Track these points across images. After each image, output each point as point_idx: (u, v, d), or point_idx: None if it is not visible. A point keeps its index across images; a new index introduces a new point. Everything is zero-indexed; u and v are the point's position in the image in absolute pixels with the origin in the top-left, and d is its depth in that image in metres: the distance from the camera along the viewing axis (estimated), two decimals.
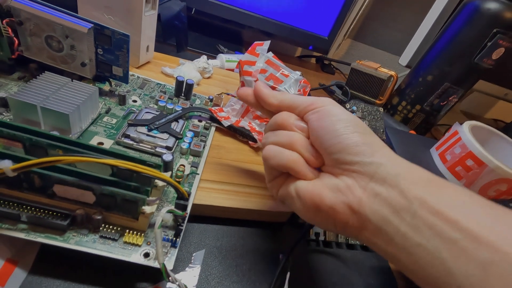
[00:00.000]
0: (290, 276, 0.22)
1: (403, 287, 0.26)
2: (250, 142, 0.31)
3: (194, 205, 0.23)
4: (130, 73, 0.33)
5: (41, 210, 0.18)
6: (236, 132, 0.32)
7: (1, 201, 0.17)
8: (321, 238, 0.26)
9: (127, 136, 0.25)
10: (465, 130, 0.32)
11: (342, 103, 0.51)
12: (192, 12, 0.53)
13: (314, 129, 0.19)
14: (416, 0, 0.70)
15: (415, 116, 0.46)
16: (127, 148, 0.25)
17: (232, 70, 0.45)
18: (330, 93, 0.56)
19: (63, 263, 0.19)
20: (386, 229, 0.15)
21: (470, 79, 0.42)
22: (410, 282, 0.27)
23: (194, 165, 0.26)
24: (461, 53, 0.40)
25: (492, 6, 0.37)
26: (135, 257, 0.18)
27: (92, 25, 0.25)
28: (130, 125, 0.26)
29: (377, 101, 0.52)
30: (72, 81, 0.24)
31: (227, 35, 0.58)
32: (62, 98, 0.22)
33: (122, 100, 0.29)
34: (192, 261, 0.22)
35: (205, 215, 0.24)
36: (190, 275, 0.21)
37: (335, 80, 0.60)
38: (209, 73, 0.40)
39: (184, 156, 0.27)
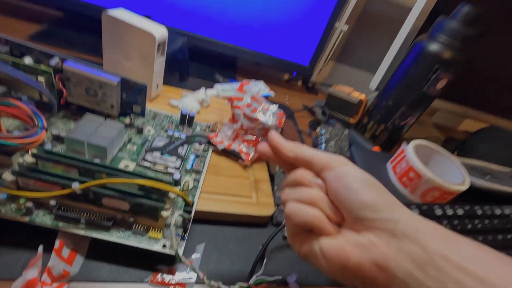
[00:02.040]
0: (266, 261, 0.30)
1: None
2: (239, 160, 0.40)
3: (196, 211, 0.31)
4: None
5: (94, 215, 0.26)
6: (228, 153, 0.40)
7: (68, 209, 0.26)
8: None
9: (146, 160, 0.34)
10: (409, 149, 0.41)
11: (321, 122, 0.60)
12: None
13: (333, 187, 0.19)
14: (387, 26, 0.79)
15: (381, 134, 0.55)
16: (146, 168, 0.33)
17: (227, 98, 0.53)
18: (312, 113, 0.65)
19: (107, 252, 0.27)
20: (413, 284, 0.16)
21: (423, 104, 0.51)
22: None
23: (196, 180, 0.34)
24: (413, 83, 0.49)
25: (433, 47, 0.46)
26: (157, 247, 0.26)
27: (119, 79, 0.33)
28: (147, 151, 0.35)
29: (351, 120, 0.61)
30: (105, 119, 0.33)
31: (223, 64, 0.67)
32: (101, 134, 0.31)
33: (140, 131, 0.37)
34: (195, 251, 0.30)
35: (205, 218, 0.33)
36: (194, 261, 0.29)
37: (318, 100, 0.69)
38: (206, 103, 0.48)
39: (188, 173, 0.35)
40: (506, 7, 0.54)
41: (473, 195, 0.41)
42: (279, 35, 0.62)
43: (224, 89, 0.54)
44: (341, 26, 0.65)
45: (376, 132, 0.56)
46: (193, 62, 0.63)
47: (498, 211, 0.38)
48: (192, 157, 0.37)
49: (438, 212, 0.34)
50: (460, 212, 0.35)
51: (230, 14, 0.58)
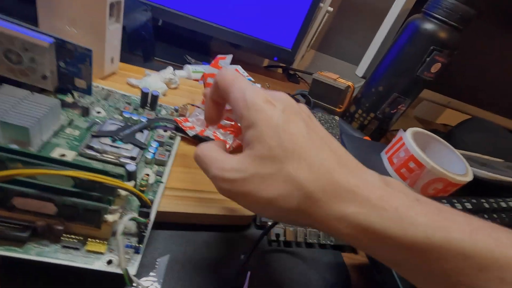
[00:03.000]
0: (250, 275, 0.24)
1: (356, 279, 0.29)
2: None
3: (158, 213, 0.24)
4: (95, 84, 0.33)
5: (2, 223, 0.18)
6: (201, 141, 0.33)
7: None
8: (282, 238, 0.29)
9: (91, 148, 0.26)
10: (407, 136, 0.36)
11: None
12: (160, 23, 0.54)
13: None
14: (371, 15, 0.76)
15: (370, 123, 0.51)
16: (91, 160, 0.25)
17: (198, 80, 0.46)
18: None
19: (25, 275, 0.19)
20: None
21: (415, 90, 0.47)
22: (363, 275, 0.30)
23: (159, 174, 0.27)
24: (405, 67, 0.45)
25: (429, 26, 0.42)
26: (98, 264, 0.19)
27: (54, 40, 0.25)
28: (93, 136, 0.26)
29: (337, 109, 0.56)
30: (32, 93, 0.24)
31: (195, 46, 0.60)
32: (22, 112, 0.23)
33: (85, 112, 0.29)
34: (156, 266, 0.23)
35: (171, 222, 0.25)
36: (154, 280, 0.22)
37: (300, 89, 0.64)
38: (175, 84, 0.41)
39: (149, 165, 0.28)
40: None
41: (473, 187, 0.37)
42: (261, 14, 0.55)
43: (196, 70, 0.46)
44: (326, 6, 0.60)
45: (365, 121, 0.51)
46: (161, 43, 0.55)
47: (503, 204, 0.34)
48: (154, 145, 0.29)
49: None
50: (468, 206, 0.31)
51: None
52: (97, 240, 0.20)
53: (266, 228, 0.27)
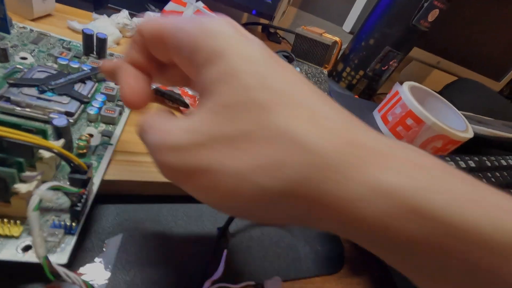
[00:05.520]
0: (227, 253, 0.19)
1: (349, 249, 0.25)
2: (181, 108, 0.27)
3: (105, 181, 0.18)
4: (21, 25, 0.26)
5: None
6: (164, 97, 0.27)
7: None
8: None
9: (7, 100, 0.19)
10: (405, 90, 0.32)
11: None
12: None
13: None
14: None
15: (359, 82, 0.46)
16: (6, 115, 0.19)
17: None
18: None
19: None
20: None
21: (409, 42, 0.42)
22: (357, 246, 0.26)
23: (107, 134, 0.21)
24: (400, 16, 0.40)
25: None
26: (8, 252, 0.13)
27: None
28: (11, 85, 0.20)
29: (323, 68, 0.51)
30: None
31: None
32: None
33: (3, 56, 0.22)
34: (104, 249, 0.17)
35: (123, 193, 0.20)
36: (101, 267, 0.17)
37: (281, 49, 0.58)
38: (132, 31, 0.33)
39: (93, 124, 0.21)
40: None
41: (472, 145, 0.34)
42: None
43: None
44: None
45: (353, 80, 0.46)
46: None
47: (504, 162, 0.32)
48: (100, 99, 0.23)
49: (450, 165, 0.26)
50: (472, 164, 0.28)
51: None
52: (6, 220, 0.14)
53: None
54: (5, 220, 0.14)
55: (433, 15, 0.39)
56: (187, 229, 0.20)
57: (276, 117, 0.10)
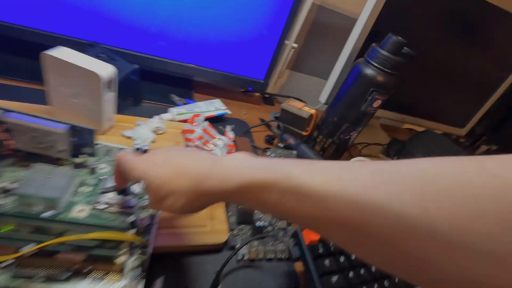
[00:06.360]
0: (221, 286, 0.34)
1: (303, 284, 0.39)
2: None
3: (154, 248, 0.34)
4: (96, 142, 0.42)
5: (51, 269, 0.27)
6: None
7: (26, 266, 0.27)
8: (246, 257, 0.38)
9: (101, 202, 0.35)
10: None
11: (276, 136, 0.64)
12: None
13: None
14: (338, 35, 0.84)
15: (329, 147, 0.60)
16: (101, 211, 0.35)
17: (183, 121, 0.55)
18: (268, 126, 0.69)
19: None
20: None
21: (363, 120, 0.56)
22: (309, 283, 0.39)
23: (153, 217, 0.36)
24: (352, 103, 0.54)
25: (369, 71, 0.51)
26: None
27: (67, 127, 0.34)
28: (102, 193, 0.36)
29: (304, 133, 0.66)
30: (54, 168, 0.33)
31: (178, 84, 0.68)
32: (51, 184, 0.32)
33: (92, 171, 0.38)
34: (155, 285, 0.32)
35: (164, 252, 0.35)
36: None
37: (274, 111, 0.73)
38: (162, 130, 0.50)
39: (145, 211, 0.37)
40: (429, 33, 0.61)
41: None
42: (233, 53, 0.64)
43: (180, 112, 0.55)
44: (291, 43, 0.68)
45: (325, 145, 0.61)
46: (147, 83, 0.63)
47: None
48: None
49: None
50: None
51: (183, 34, 0.59)
52: (114, 273, 0.29)
53: (234, 250, 0.37)
54: (113, 272, 0.29)
55: (376, 103, 0.53)
56: (200, 270, 0.35)
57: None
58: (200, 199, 0.25)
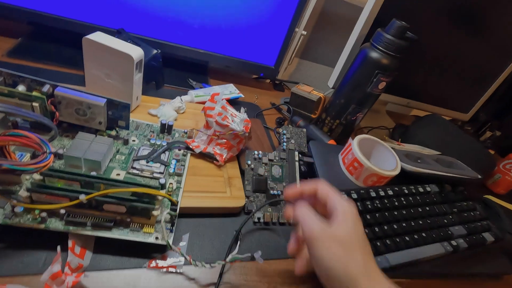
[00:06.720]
0: (240, 243, 0.38)
1: None
2: (214, 161, 0.47)
3: (180, 208, 0.38)
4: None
5: (97, 218, 0.32)
6: (205, 156, 0.47)
7: (76, 215, 0.32)
8: (262, 220, 0.43)
9: (134, 168, 0.40)
10: (354, 143, 0.50)
11: (287, 118, 0.68)
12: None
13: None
14: (345, 25, 0.87)
15: (336, 128, 0.64)
16: (135, 176, 0.40)
17: (201, 103, 0.59)
18: (278, 110, 0.73)
19: (111, 246, 0.33)
20: None
21: (369, 101, 0.60)
22: None
23: (178, 182, 0.41)
24: (359, 85, 0.58)
25: (374, 55, 0.54)
26: (151, 239, 0.33)
27: (106, 100, 0.39)
28: (134, 160, 0.41)
29: (312, 116, 0.70)
30: (96, 136, 0.38)
31: (195, 69, 0.73)
32: (94, 149, 0.37)
33: (125, 142, 0.43)
34: (182, 240, 0.37)
35: (188, 213, 0.40)
36: (182, 248, 0.36)
37: (284, 97, 0.77)
38: (183, 110, 0.54)
39: (171, 176, 0.42)
40: (433, 19, 0.64)
41: (405, 178, 0.51)
42: (246, 40, 0.68)
43: (198, 94, 0.60)
44: (300, 31, 0.72)
45: (333, 126, 0.64)
46: (167, 68, 0.68)
47: (421, 189, 0.48)
48: (173, 161, 0.43)
49: (373, 194, 0.44)
50: (390, 192, 0.45)
51: (199, 21, 0.63)
52: (148, 226, 0.34)
53: (250, 214, 0.42)
54: (148, 225, 0.34)
55: (381, 85, 0.56)
56: (221, 229, 0.40)
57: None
58: None
